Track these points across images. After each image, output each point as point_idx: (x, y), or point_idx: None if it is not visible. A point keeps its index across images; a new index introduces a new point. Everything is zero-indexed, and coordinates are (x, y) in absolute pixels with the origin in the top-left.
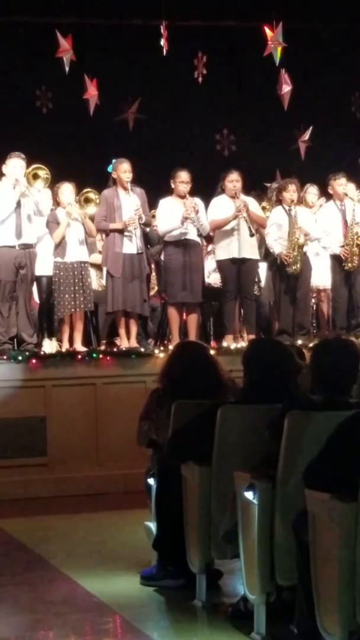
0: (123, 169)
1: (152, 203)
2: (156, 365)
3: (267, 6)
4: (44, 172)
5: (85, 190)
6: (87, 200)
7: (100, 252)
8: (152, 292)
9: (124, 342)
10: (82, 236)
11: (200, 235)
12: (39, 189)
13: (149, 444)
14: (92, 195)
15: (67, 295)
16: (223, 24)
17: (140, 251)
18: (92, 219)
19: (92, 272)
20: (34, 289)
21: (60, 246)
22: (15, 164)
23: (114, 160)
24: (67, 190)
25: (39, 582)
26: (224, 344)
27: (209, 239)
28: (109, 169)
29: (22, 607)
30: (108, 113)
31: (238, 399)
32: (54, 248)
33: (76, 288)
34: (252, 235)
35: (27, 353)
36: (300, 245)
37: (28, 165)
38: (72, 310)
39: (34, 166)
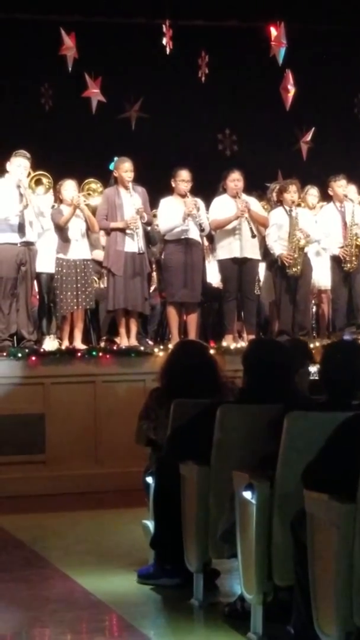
0: (124, 168)
1: (153, 202)
2: (156, 364)
3: (270, 6)
4: (47, 180)
5: (87, 180)
6: (90, 191)
7: (103, 247)
8: (150, 290)
9: (124, 340)
10: (85, 232)
11: (202, 230)
12: (40, 193)
13: (148, 443)
14: (94, 185)
15: (69, 293)
16: (226, 23)
17: (142, 250)
18: (94, 212)
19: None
20: (34, 285)
21: (63, 241)
22: (20, 163)
23: (115, 158)
24: (70, 187)
25: (36, 580)
26: (224, 343)
27: (211, 239)
28: (111, 167)
29: (19, 604)
30: (110, 111)
31: (237, 399)
32: (57, 244)
33: (78, 286)
34: (253, 236)
35: (26, 350)
36: (301, 247)
37: (33, 169)
38: (74, 308)
39: (38, 172)
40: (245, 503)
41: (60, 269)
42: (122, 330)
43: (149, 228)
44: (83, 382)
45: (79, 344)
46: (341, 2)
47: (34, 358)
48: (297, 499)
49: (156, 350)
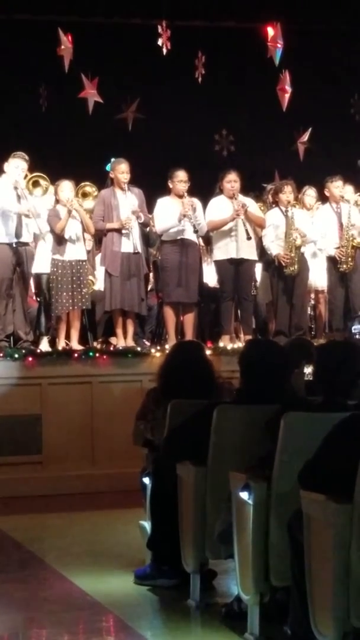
0: (121, 170)
1: (150, 203)
2: (152, 364)
3: (267, 7)
4: (45, 182)
5: (82, 184)
6: (85, 195)
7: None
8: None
9: (121, 341)
10: (81, 234)
11: (197, 231)
12: (37, 195)
13: (145, 443)
14: (89, 189)
15: (64, 294)
16: (223, 24)
17: (137, 250)
18: (89, 214)
19: None
20: (31, 286)
21: (59, 243)
22: (18, 165)
23: (112, 159)
24: (66, 187)
25: (33, 580)
26: (221, 344)
27: (208, 240)
28: (108, 167)
29: (15, 605)
30: (107, 112)
31: (234, 399)
32: (52, 245)
33: (74, 286)
34: (249, 238)
35: (23, 351)
36: (297, 246)
37: (30, 170)
38: (70, 308)
39: (35, 174)
40: (242, 503)
41: (55, 269)
42: (119, 331)
43: (147, 229)
44: (80, 383)
45: (75, 345)
46: (338, 3)
47: (30, 359)
48: (294, 500)
49: (153, 350)
